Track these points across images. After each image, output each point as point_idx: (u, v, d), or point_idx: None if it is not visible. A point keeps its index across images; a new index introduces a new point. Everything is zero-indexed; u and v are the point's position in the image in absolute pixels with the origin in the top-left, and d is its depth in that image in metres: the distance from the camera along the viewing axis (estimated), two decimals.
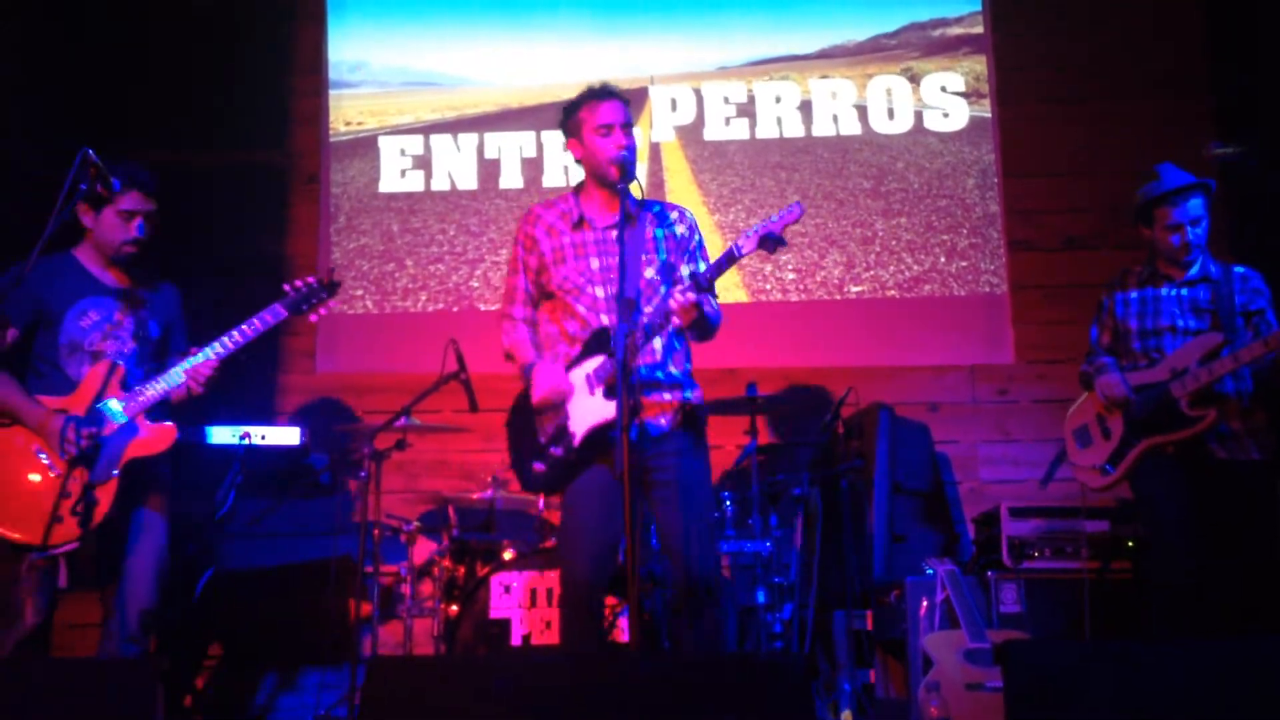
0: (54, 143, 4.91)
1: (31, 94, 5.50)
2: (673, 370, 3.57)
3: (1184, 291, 4.08)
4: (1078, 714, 2.61)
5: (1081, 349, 4.34)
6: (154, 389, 3.67)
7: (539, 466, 3.53)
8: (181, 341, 3.93)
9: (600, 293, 3.56)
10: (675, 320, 3.41)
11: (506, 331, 3.71)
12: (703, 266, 3.64)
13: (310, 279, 3.88)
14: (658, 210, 3.74)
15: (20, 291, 3.48)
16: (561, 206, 3.70)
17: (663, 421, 3.50)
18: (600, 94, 3.64)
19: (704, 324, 3.51)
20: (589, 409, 3.45)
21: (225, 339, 3.72)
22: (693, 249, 3.71)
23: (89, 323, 3.75)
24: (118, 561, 3.68)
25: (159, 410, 3.73)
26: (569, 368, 3.54)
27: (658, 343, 3.51)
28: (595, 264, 3.59)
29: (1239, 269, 4.11)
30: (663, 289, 3.57)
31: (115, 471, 3.58)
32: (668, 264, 3.63)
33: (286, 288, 3.85)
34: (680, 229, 3.70)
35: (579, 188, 3.72)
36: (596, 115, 3.59)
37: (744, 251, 3.38)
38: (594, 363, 3.48)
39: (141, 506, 3.72)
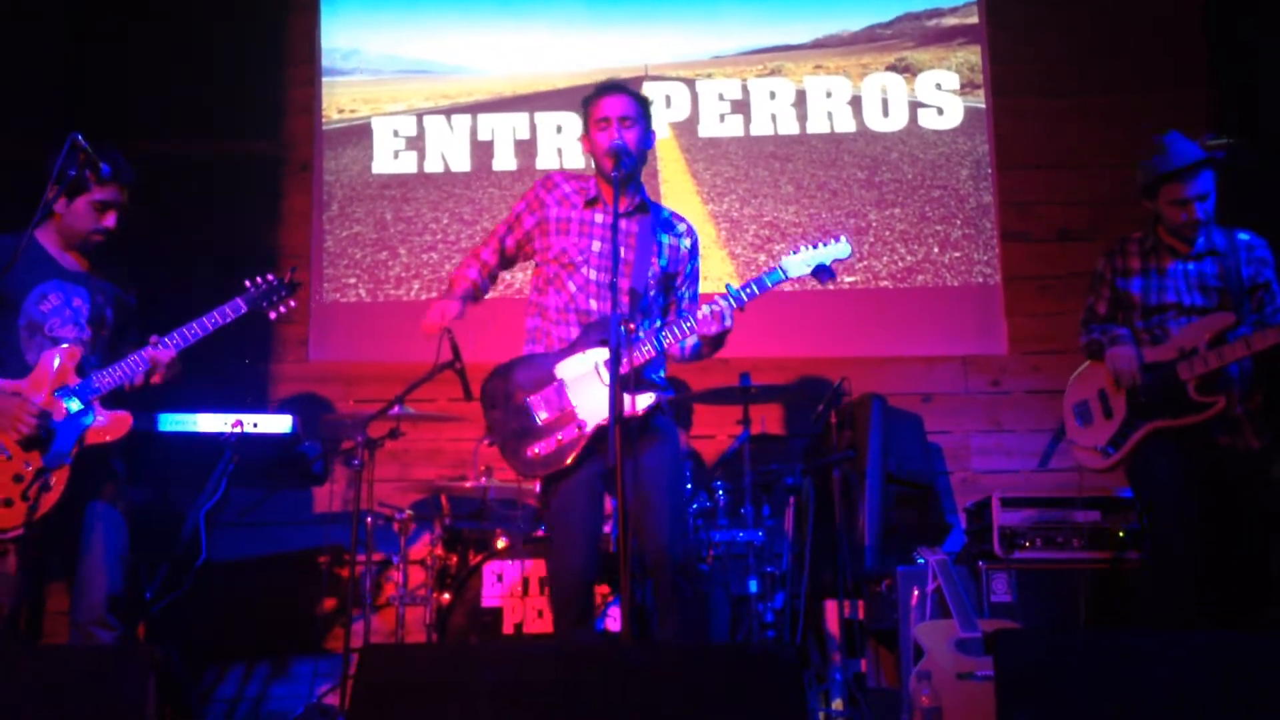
0: (48, 132, 4.90)
1: (25, 84, 5.48)
2: (661, 374, 3.70)
3: (1190, 266, 3.96)
4: (1067, 703, 2.62)
5: (1074, 340, 4.30)
6: (112, 376, 3.64)
7: (541, 449, 3.52)
8: (135, 330, 3.90)
9: (593, 275, 3.62)
10: (702, 331, 3.47)
11: (459, 266, 3.87)
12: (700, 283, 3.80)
13: (270, 276, 3.86)
14: (666, 216, 3.81)
15: None
16: (581, 182, 3.78)
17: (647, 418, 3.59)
18: (601, 90, 3.73)
19: (720, 346, 3.61)
20: (605, 400, 3.43)
21: (185, 330, 3.71)
22: (692, 270, 3.80)
23: (49, 306, 3.72)
24: (73, 551, 3.64)
25: (112, 399, 3.69)
26: (567, 352, 3.55)
27: (647, 347, 3.56)
28: (596, 246, 3.64)
29: (1243, 235, 3.98)
30: (652, 293, 3.67)
31: (69, 458, 3.56)
32: (666, 272, 3.71)
33: (247, 283, 3.83)
34: (685, 243, 3.79)
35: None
36: (596, 110, 3.68)
37: (791, 275, 3.54)
38: (605, 354, 3.47)
39: (96, 499, 3.69)
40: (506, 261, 3.85)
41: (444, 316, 3.70)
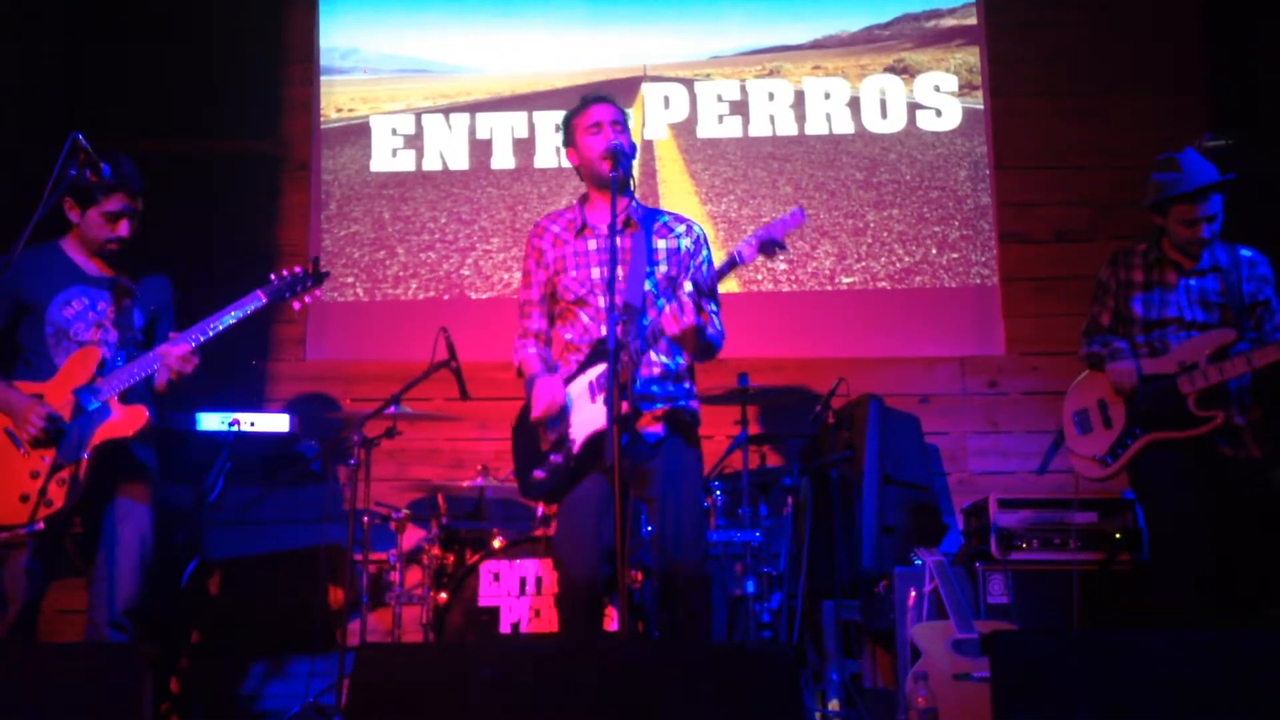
0: (47, 131, 4.90)
1: (26, 84, 5.48)
2: (670, 386, 3.62)
3: (1192, 281, 3.98)
4: (1063, 704, 2.62)
5: (1071, 342, 4.31)
6: (129, 373, 3.68)
7: (539, 474, 3.56)
8: (168, 331, 3.93)
9: (603, 302, 3.57)
10: (669, 331, 3.37)
11: (517, 350, 3.76)
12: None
13: (296, 268, 3.90)
14: (664, 221, 3.76)
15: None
16: (567, 216, 3.76)
17: (658, 429, 3.56)
18: (589, 99, 3.73)
19: (701, 344, 3.53)
20: (590, 416, 3.46)
21: (205, 325, 3.73)
22: (698, 264, 3.70)
23: (73, 312, 3.77)
24: (95, 548, 3.68)
25: (138, 396, 3.72)
26: (571, 378, 3.56)
27: (662, 358, 3.56)
28: (596, 273, 3.62)
29: (1245, 252, 4.00)
30: (660, 302, 3.58)
31: (84, 453, 3.59)
32: (667, 277, 3.65)
33: (272, 276, 3.87)
34: (685, 242, 3.71)
35: (583, 198, 3.76)
36: (586, 117, 3.67)
37: (746, 258, 3.37)
38: (596, 371, 3.50)
39: (122, 495, 3.72)
40: (554, 317, 3.78)
41: (559, 400, 3.54)
